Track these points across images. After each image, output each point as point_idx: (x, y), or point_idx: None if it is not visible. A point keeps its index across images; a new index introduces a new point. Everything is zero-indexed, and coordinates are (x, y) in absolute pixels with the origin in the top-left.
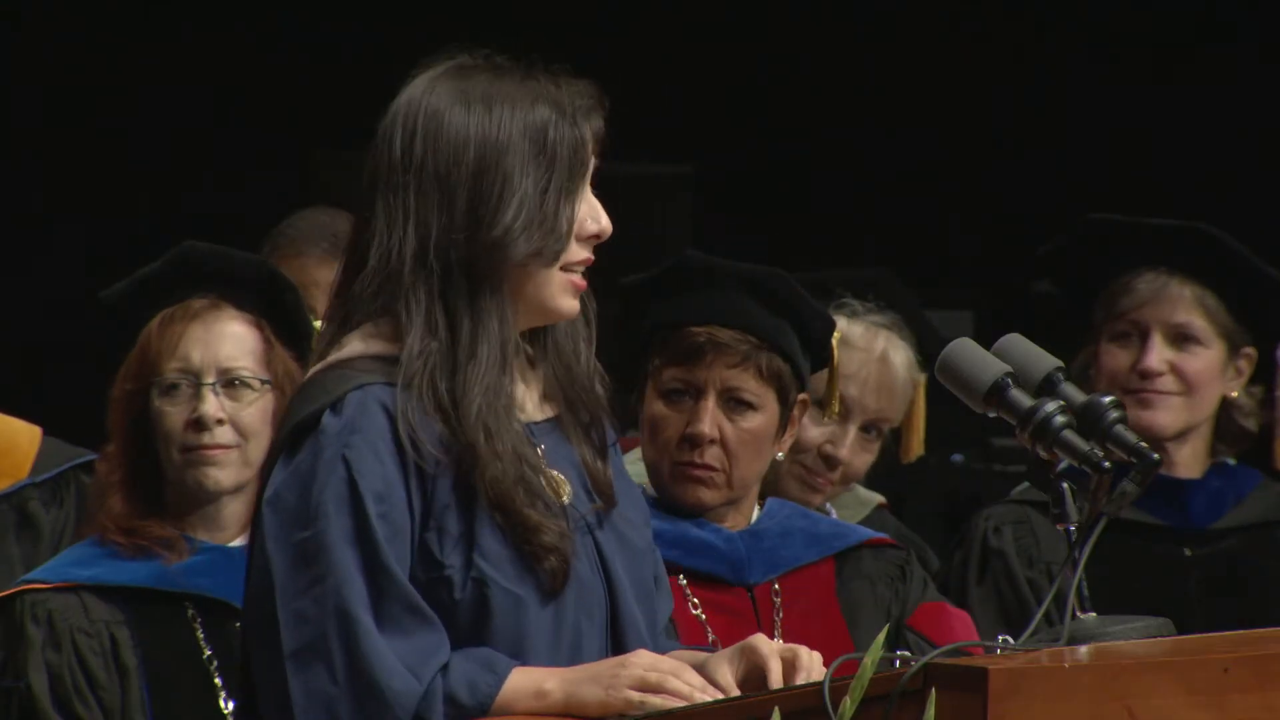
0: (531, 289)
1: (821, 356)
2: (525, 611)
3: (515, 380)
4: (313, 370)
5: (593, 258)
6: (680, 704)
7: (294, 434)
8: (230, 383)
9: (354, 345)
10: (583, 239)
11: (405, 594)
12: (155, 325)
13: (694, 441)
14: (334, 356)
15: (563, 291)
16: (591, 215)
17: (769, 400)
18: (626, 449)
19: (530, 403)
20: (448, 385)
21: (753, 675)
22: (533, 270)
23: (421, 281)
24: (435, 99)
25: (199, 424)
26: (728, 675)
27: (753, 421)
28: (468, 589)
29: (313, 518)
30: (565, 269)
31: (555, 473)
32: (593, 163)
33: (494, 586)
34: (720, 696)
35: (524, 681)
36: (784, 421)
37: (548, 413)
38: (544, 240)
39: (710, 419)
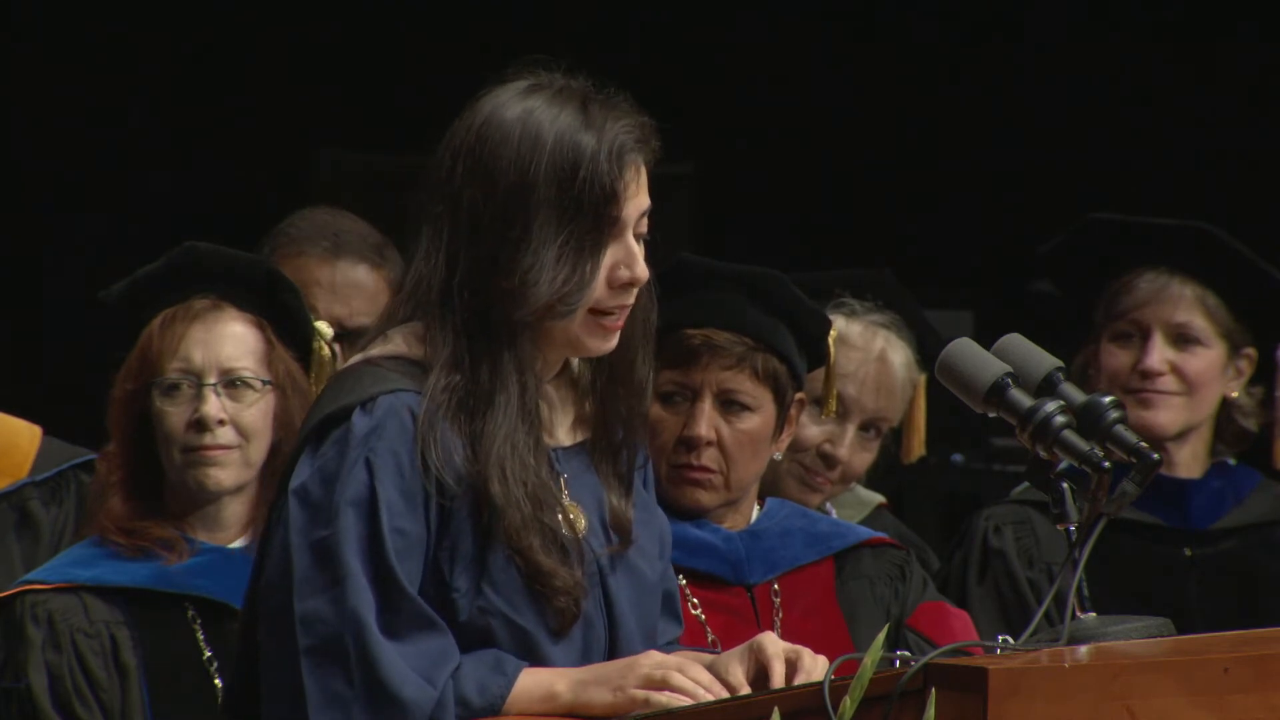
0: (559, 332)
1: (818, 355)
2: (534, 644)
3: (546, 403)
4: (353, 360)
5: (629, 303)
6: (686, 702)
7: (322, 425)
8: (231, 383)
9: (396, 343)
10: (615, 287)
11: (413, 606)
12: (156, 325)
13: (691, 444)
14: (376, 350)
15: (591, 335)
16: (625, 263)
17: (765, 401)
18: None
19: (561, 427)
20: (468, 424)
21: (762, 673)
22: (549, 321)
23: (448, 314)
24: (485, 127)
25: (200, 424)
26: (739, 673)
27: (749, 423)
28: (473, 615)
29: (332, 518)
30: (595, 313)
31: (573, 506)
32: (638, 205)
33: (498, 617)
34: (727, 694)
35: (533, 683)
36: (781, 422)
37: (577, 437)
38: (559, 293)
39: (707, 421)
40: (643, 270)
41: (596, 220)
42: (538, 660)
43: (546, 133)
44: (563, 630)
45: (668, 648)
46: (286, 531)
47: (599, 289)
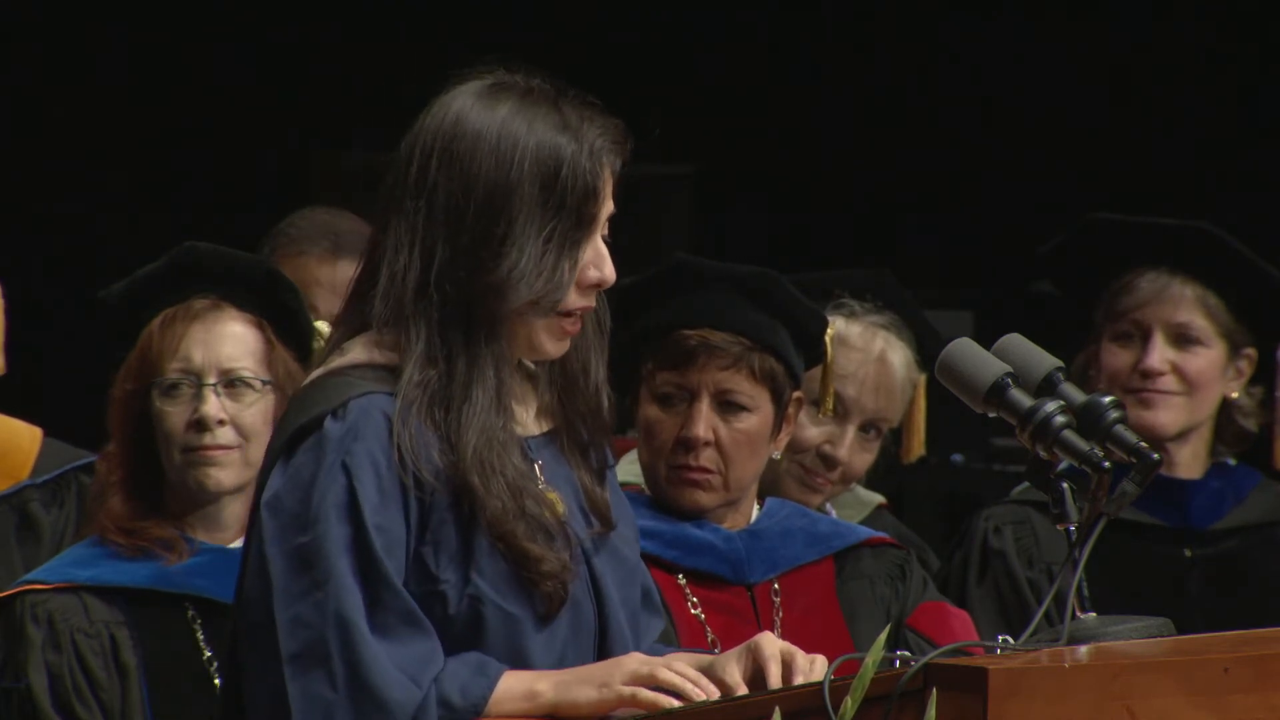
0: (524, 331)
1: (815, 354)
2: (520, 630)
3: (512, 395)
4: (314, 375)
5: (593, 304)
6: (676, 703)
7: (294, 437)
8: (231, 383)
9: (357, 352)
10: (584, 287)
11: (402, 603)
12: (156, 325)
13: (688, 445)
14: (336, 362)
15: (553, 337)
16: (595, 263)
17: (763, 401)
18: (624, 450)
19: (528, 416)
20: (444, 417)
21: (759, 674)
22: (528, 317)
23: (423, 311)
24: (459, 124)
25: (200, 425)
26: (735, 674)
27: (747, 423)
28: (463, 605)
29: (312, 523)
30: (562, 315)
31: (551, 493)
32: (608, 208)
33: (489, 604)
34: (715, 689)
35: (515, 684)
36: (779, 421)
37: (545, 426)
38: (542, 290)
39: (704, 422)
40: (611, 271)
41: (579, 218)
42: (528, 645)
43: (525, 133)
44: (550, 614)
45: (656, 648)
46: (261, 544)
47: (571, 290)
